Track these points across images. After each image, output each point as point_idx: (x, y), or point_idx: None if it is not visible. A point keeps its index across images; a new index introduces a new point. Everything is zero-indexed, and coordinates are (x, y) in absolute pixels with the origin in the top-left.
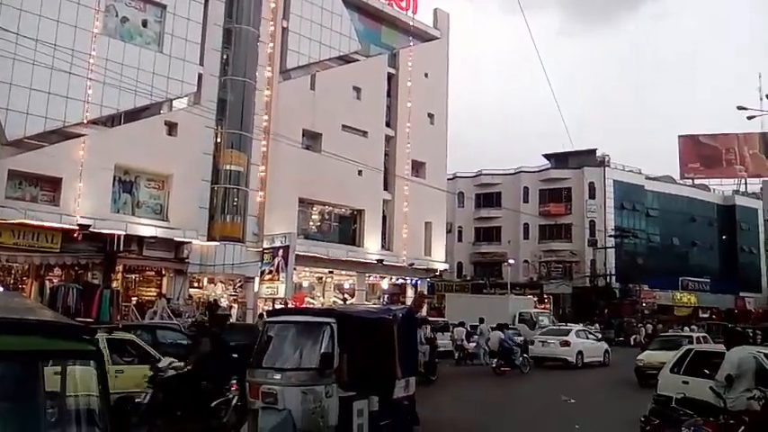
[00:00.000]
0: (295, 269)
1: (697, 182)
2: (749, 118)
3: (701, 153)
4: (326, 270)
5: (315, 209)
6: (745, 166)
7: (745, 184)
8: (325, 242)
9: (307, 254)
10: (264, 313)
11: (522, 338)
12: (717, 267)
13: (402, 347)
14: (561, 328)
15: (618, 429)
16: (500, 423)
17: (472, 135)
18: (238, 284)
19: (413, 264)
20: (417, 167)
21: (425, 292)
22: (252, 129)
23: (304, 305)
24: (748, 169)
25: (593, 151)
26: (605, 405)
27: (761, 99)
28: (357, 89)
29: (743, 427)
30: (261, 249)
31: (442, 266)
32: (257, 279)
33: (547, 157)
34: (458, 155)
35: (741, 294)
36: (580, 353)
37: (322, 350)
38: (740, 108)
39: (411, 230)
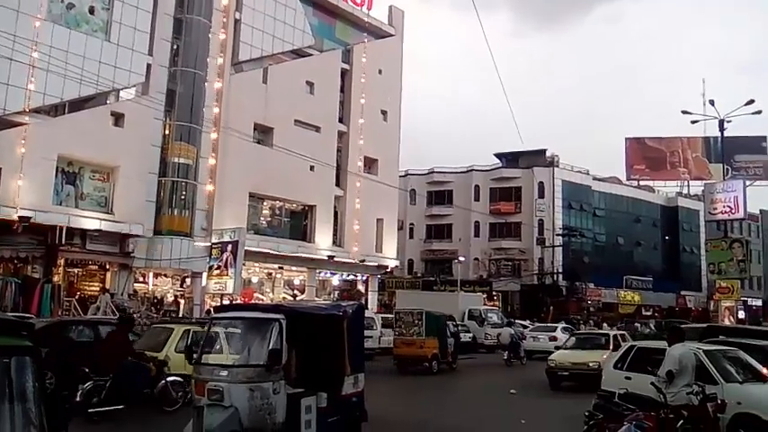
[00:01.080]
0: (244, 264)
1: (642, 183)
2: (693, 122)
3: (647, 155)
4: (276, 266)
5: (265, 204)
6: (689, 168)
7: (688, 186)
8: (276, 237)
9: (256, 249)
10: (212, 309)
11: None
12: (660, 266)
13: (351, 344)
14: (548, 325)
15: (571, 422)
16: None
17: (425, 133)
18: (185, 280)
19: (364, 260)
20: (370, 164)
21: (376, 289)
22: (202, 121)
23: (253, 301)
24: (691, 172)
25: (542, 151)
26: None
27: (704, 104)
28: (310, 84)
29: (682, 421)
30: (209, 244)
31: (393, 263)
32: (205, 274)
33: (498, 156)
34: (410, 152)
35: (682, 293)
36: None
37: (270, 347)
38: (684, 112)
39: (362, 227)
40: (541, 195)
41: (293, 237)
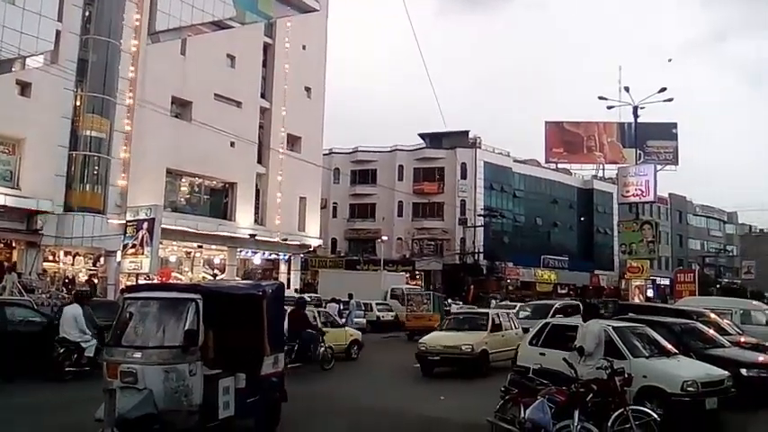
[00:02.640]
0: (161, 243)
1: (560, 166)
2: (609, 108)
3: (565, 139)
4: (195, 244)
5: (184, 180)
6: (604, 153)
7: (603, 169)
8: (195, 215)
9: (174, 227)
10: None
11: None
12: (575, 247)
13: (271, 323)
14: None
15: (486, 398)
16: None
17: (349, 111)
18: (99, 259)
19: (286, 239)
20: (293, 141)
21: (299, 268)
22: (116, 93)
23: (171, 281)
24: (606, 156)
25: (465, 133)
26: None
27: (620, 91)
28: (231, 57)
29: (591, 395)
30: (124, 221)
31: (315, 242)
32: (119, 253)
33: (422, 136)
34: (335, 130)
35: (596, 272)
36: None
37: (186, 327)
38: (601, 98)
39: (285, 205)
40: (464, 176)
41: (213, 215)
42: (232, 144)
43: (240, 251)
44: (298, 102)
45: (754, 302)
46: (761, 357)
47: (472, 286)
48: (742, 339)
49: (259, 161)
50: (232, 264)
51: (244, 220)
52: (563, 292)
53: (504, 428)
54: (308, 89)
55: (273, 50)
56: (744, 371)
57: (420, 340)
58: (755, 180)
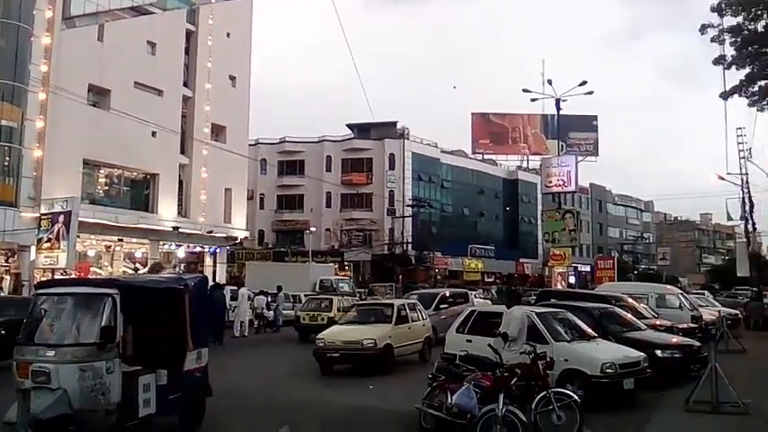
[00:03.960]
0: (79, 237)
1: (486, 157)
2: (533, 100)
3: (491, 130)
4: (116, 238)
5: (102, 171)
6: (528, 144)
7: (527, 160)
8: (114, 208)
9: (92, 220)
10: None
11: None
12: (501, 236)
13: (194, 318)
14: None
15: (414, 386)
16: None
17: (276, 101)
18: (11, 254)
19: (211, 231)
20: (217, 131)
21: (225, 261)
22: (28, 80)
23: (90, 276)
24: (530, 147)
25: (393, 124)
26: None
27: (543, 84)
28: (152, 44)
29: (515, 379)
30: (38, 215)
31: (242, 234)
32: (33, 248)
33: (350, 127)
34: (261, 120)
35: (521, 260)
36: None
37: (102, 324)
38: (525, 90)
39: (210, 197)
40: (392, 167)
41: (134, 207)
42: (153, 134)
43: (163, 244)
44: (222, 91)
45: (669, 287)
46: (674, 339)
47: (401, 276)
48: (657, 322)
49: (182, 151)
50: (155, 257)
51: (166, 212)
52: (490, 280)
53: (432, 415)
54: (232, 78)
55: (196, 38)
56: (659, 352)
57: (318, 335)
58: (670, 170)
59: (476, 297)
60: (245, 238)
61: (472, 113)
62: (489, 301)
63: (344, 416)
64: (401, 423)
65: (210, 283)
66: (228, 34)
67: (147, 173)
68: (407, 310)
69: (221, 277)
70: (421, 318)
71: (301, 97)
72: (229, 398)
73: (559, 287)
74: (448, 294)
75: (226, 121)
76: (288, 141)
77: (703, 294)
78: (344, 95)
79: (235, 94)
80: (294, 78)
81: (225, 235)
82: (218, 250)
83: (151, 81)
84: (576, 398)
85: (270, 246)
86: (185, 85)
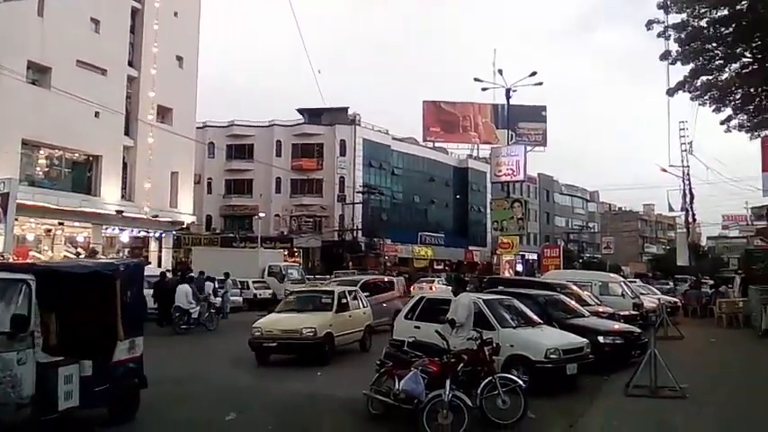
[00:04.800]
0: (17, 220)
1: (437, 145)
2: (483, 90)
3: (442, 118)
4: (56, 221)
5: (42, 152)
6: (479, 133)
7: (478, 149)
8: (55, 190)
9: (32, 203)
10: None
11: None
12: (451, 224)
13: (126, 305)
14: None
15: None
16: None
17: (225, 84)
18: None
19: (157, 216)
20: (163, 113)
21: (171, 246)
22: None
23: (29, 260)
24: (481, 136)
25: (344, 109)
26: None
27: (494, 73)
28: (95, 21)
29: (462, 365)
30: None
31: (189, 219)
32: None
33: (300, 112)
34: (209, 103)
35: (470, 248)
36: None
37: (14, 311)
38: (476, 80)
39: (155, 180)
40: (343, 153)
41: (76, 189)
42: (96, 114)
43: (106, 228)
44: (169, 71)
45: (612, 275)
46: (616, 326)
47: (351, 263)
48: (600, 309)
49: (126, 133)
50: (97, 242)
51: (110, 195)
52: (439, 267)
53: (380, 400)
54: (179, 58)
55: (142, 16)
56: (601, 338)
57: (254, 324)
58: (615, 162)
59: (438, 284)
60: (192, 223)
61: (423, 101)
62: (451, 288)
63: (293, 402)
64: (349, 409)
65: (161, 269)
66: (176, 13)
67: (90, 154)
68: (348, 298)
69: (167, 263)
70: (361, 305)
71: (251, 81)
72: (176, 385)
73: (507, 275)
74: (371, 282)
75: (172, 102)
76: (237, 125)
77: (635, 282)
78: (295, 80)
79: (182, 76)
80: (244, 61)
81: (171, 220)
82: (163, 235)
83: (94, 60)
84: (521, 383)
85: (218, 231)
86: (130, 64)
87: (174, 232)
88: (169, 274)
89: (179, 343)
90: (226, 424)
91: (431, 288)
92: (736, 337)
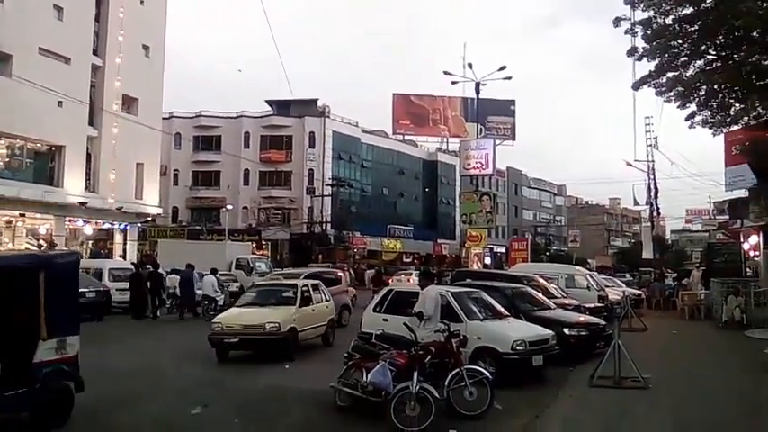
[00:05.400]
0: None
1: (407, 138)
2: (453, 83)
3: (412, 111)
4: (17, 213)
5: (2, 142)
6: (448, 126)
7: (447, 142)
8: (16, 181)
9: None
10: None
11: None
12: (420, 216)
13: (53, 301)
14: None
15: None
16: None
17: (192, 74)
18: None
19: (122, 207)
20: (129, 103)
21: (136, 238)
22: None
23: None
24: (450, 130)
25: (314, 101)
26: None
27: (464, 67)
28: (59, 8)
29: (429, 357)
30: None
31: (155, 211)
32: None
33: (269, 103)
34: (175, 93)
35: (439, 241)
36: None
37: None
38: (446, 73)
39: (120, 171)
40: (312, 145)
41: (38, 180)
42: (59, 104)
43: (69, 220)
44: (134, 60)
45: (578, 268)
46: (581, 317)
47: (320, 255)
48: (566, 301)
49: (90, 123)
50: (60, 234)
51: (73, 186)
52: (408, 260)
53: (347, 393)
54: (146, 47)
55: (108, 4)
56: (566, 330)
57: (214, 319)
58: (582, 156)
59: (414, 276)
60: (158, 215)
61: (393, 94)
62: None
63: (259, 395)
64: (316, 402)
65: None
66: (142, 2)
67: (53, 145)
68: (311, 291)
69: (132, 255)
70: (324, 299)
71: (219, 71)
72: (142, 379)
73: (475, 267)
74: (315, 275)
75: (138, 92)
76: (204, 116)
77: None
78: (264, 71)
79: (148, 65)
80: (211, 52)
81: (136, 211)
82: (128, 227)
83: (57, 48)
84: (488, 374)
85: (184, 223)
86: (95, 53)
87: (140, 224)
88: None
89: (143, 335)
90: (191, 418)
91: (408, 280)
92: (698, 328)
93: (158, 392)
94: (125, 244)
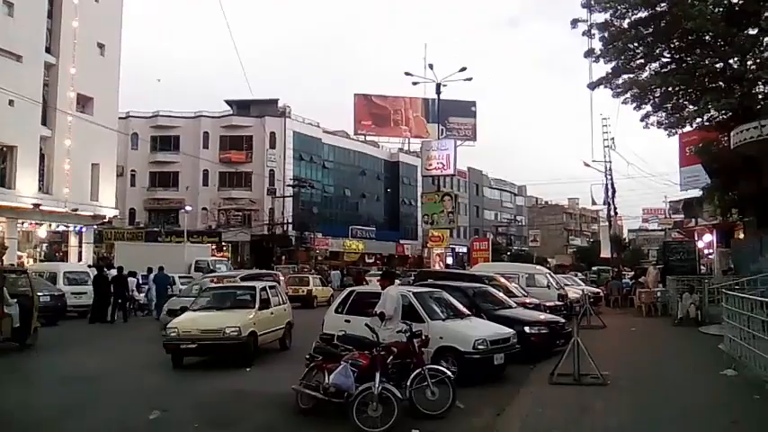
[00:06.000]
0: None
1: (368, 138)
2: (414, 84)
3: (373, 112)
4: None
5: None
6: (409, 127)
7: (409, 143)
8: None
9: None
10: None
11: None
12: (382, 217)
13: None
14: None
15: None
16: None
17: (150, 74)
18: None
19: (77, 209)
20: (84, 102)
21: (92, 241)
22: None
23: None
24: (412, 130)
25: (274, 101)
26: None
27: (425, 68)
28: (9, 4)
29: (392, 357)
30: None
31: (111, 212)
32: None
33: (229, 103)
34: (133, 93)
35: (401, 241)
36: None
37: None
38: (407, 74)
39: (75, 172)
40: (273, 146)
41: None
42: (11, 102)
43: (22, 223)
44: (89, 59)
45: (538, 267)
46: (542, 316)
47: (284, 257)
48: (526, 300)
49: (44, 123)
50: (13, 237)
51: (26, 187)
52: (370, 261)
53: (309, 395)
54: (101, 46)
55: (61, 0)
56: (527, 328)
57: (169, 324)
58: (542, 157)
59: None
60: (115, 216)
61: (355, 95)
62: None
63: (219, 399)
64: (277, 405)
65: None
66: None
67: (4, 145)
68: (269, 294)
69: (88, 258)
70: (281, 301)
71: (177, 70)
72: (98, 384)
73: (437, 268)
74: (245, 275)
75: (93, 91)
76: (162, 116)
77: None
78: (223, 71)
79: (103, 63)
80: (169, 51)
81: (92, 213)
82: (84, 229)
83: (8, 45)
84: (450, 374)
85: (142, 225)
86: (48, 51)
87: (96, 226)
88: (94, 270)
89: (100, 339)
90: (150, 423)
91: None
92: (655, 325)
93: (115, 398)
94: (81, 247)
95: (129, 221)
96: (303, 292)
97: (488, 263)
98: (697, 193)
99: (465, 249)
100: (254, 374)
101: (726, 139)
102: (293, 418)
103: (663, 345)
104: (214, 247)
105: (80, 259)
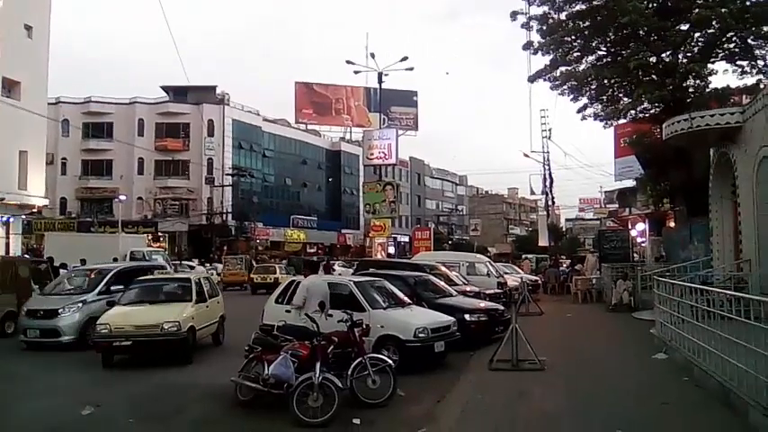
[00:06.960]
0: None
1: (310, 127)
2: (356, 72)
3: (314, 100)
4: None
5: None
6: (351, 116)
7: (350, 132)
8: None
9: None
10: None
11: None
12: (323, 207)
13: None
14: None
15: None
16: None
17: (81, 58)
18: None
19: (3, 199)
20: (10, 86)
21: (20, 231)
22: None
23: None
24: (353, 119)
25: (212, 88)
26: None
27: (367, 57)
28: None
29: (332, 347)
30: None
31: (41, 202)
32: None
33: (165, 89)
34: (63, 77)
35: (343, 231)
36: None
37: None
38: (348, 62)
39: (1, 160)
40: (211, 134)
41: None
42: None
43: None
44: (16, 41)
45: (479, 256)
46: (481, 304)
47: (225, 247)
48: (467, 288)
49: None
50: None
51: None
52: (312, 251)
53: (249, 386)
54: (28, 28)
55: None
56: (467, 316)
57: (99, 321)
58: (483, 146)
59: (337, 266)
60: (45, 206)
61: (296, 83)
62: (351, 270)
63: (154, 394)
64: (216, 397)
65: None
66: None
67: None
68: (204, 287)
69: (16, 249)
70: (215, 294)
71: (110, 55)
72: (26, 380)
73: (379, 257)
74: (126, 270)
75: (20, 75)
76: (94, 101)
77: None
78: (161, 56)
79: (31, 46)
80: (103, 33)
81: (19, 203)
82: (11, 220)
83: None
84: (391, 362)
85: (74, 215)
86: None
87: (24, 216)
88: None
89: None
90: (82, 419)
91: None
92: (590, 311)
93: (45, 393)
94: (8, 237)
95: (61, 211)
96: (270, 279)
97: (430, 252)
98: (631, 183)
99: (407, 239)
100: (191, 368)
101: (658, 131)
102: (232, 410)
103: (597, 330)
104: (150, 237)
105: (8, 251)
